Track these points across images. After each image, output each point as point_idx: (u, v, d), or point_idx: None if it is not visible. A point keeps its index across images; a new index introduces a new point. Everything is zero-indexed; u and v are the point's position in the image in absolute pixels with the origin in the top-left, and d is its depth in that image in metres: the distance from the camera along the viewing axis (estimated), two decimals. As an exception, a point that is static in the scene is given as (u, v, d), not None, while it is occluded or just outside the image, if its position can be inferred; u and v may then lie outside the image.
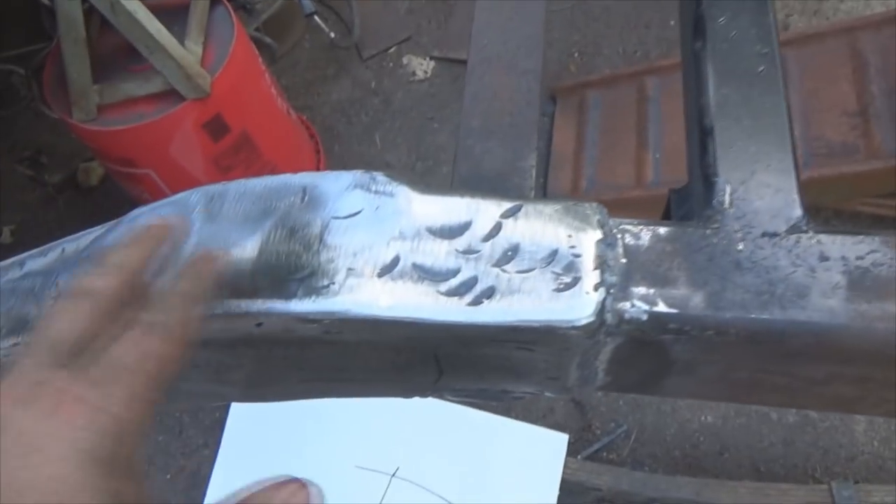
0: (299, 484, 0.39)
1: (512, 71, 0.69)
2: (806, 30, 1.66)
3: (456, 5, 2.12)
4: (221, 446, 1.32)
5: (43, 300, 0.51)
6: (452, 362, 0.46)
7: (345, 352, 0.45)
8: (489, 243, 0.42)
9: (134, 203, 1.70)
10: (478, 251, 0.42)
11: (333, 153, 1.90)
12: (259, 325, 0.42)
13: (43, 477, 0.27)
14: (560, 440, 1.32)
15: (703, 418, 1.46)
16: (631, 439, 1.45)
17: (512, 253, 0.42)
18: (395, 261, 0.42)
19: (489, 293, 0.41)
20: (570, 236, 0.42)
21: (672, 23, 2.01)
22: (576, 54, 2.01)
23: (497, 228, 0.43)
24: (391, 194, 0.44)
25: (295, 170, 1.99)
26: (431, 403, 1.43)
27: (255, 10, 1.71)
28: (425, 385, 0.50)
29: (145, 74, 1.30)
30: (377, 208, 0.44)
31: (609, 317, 0.40)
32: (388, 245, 0.42)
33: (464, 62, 2.02)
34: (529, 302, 0.40)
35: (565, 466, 1.32)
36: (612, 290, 0.40)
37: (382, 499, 1.38)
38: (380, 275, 0.42)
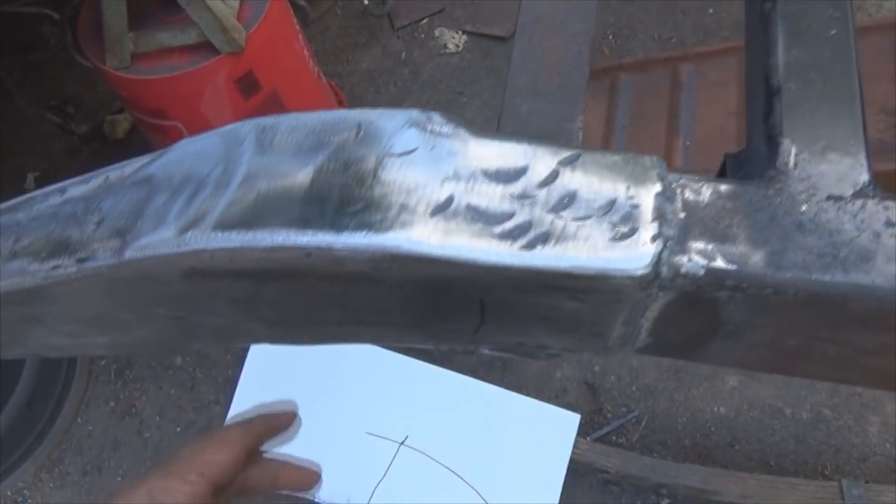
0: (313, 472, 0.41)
1: (562, 33, 0.68)
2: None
3: (491, -20, 2.10)
4: (233, 404, 1.33)
5: (85, 225, 0.51)
6: (497, 310, 0.45)
7: (389, 292, 0.45)
8: (545, 189, 0.41)
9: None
10: (533, 196, 0.41)
11: (360, 121, 1.88)
12: (308, 255, 0.42)
13: None
14: (572, 419, 1.32)
15: (715, 409, 1.45)
16: (641, 425, 1.45)
17: (568, 200, 0.41)
18: (449, 200, 0.41)
19: (544, 238, 0.40)
20: (628, 187, 0.41)
21: (710, 11, 1.98)
22: (610, 37, 1.98)
23: (554, 175, 0.42)
24: (447, 135, 0.43)
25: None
26: (445, 375, 1.43)
27: (292, -31, 1.70)
28: (464, 334, 0.50)
29: (181, 25, 1.29)
30: (432, 148, 0.43)
31: (665, 269, 0.39)
32: (443, 185, 0.42)
33: (497, 38, 2.01)
34: (585, 249, 0.39)
35: (575, 446, 1.32)
36: (669, 243, 0.39)
37: (390, 466, 1.38)
38: (433, 213, 0.41)
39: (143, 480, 0.37)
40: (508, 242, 0.40)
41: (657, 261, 0.39)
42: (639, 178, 0.41)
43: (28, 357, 0.68)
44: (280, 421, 0.45)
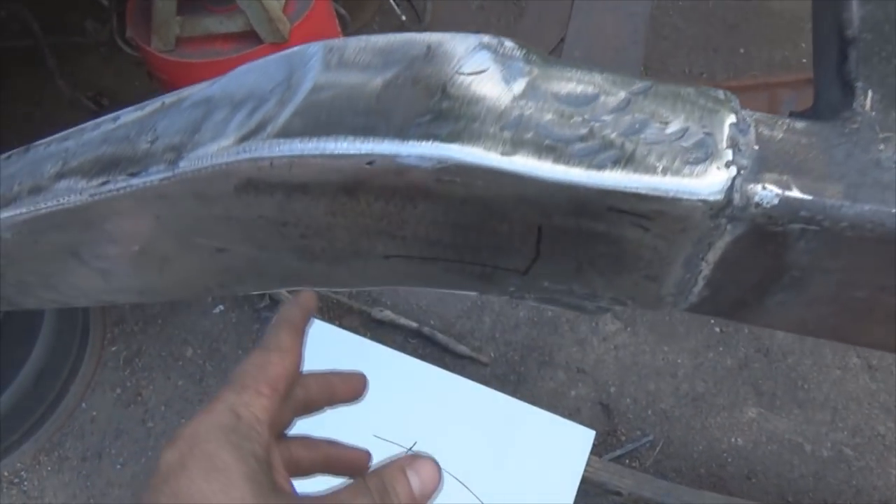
0: (429, 459, 0.39)
1: (619, 11, 0.68)
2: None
3: (527, 7, 2.13)
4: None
5: (138, 143, 0.51)
6: (554, 241, 0.44)
7: (445, 214, 0.44)
8: (617, 115, 0.41)
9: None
10: (604, 121, 0.41)
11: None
12: (370, 163, 0.41)
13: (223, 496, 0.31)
14: (586, 436, 1.28)
15: (733, 439, 1.42)
16: (656, 450, 1.41)
17: (640, 126, 0.40)
18: (519, 118, 0.41)
19: (615, 159, 0.39)
20: (701, 117, 0.41)
21: (741, 50, 2.00)
22: (641, 68, 2.00)
23: (626, 103, 0.41)
24: (518, 58, 0.43)
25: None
26: (457, 381, 1.41)
27: (337, -23, 1.74)
28: (514, 274, 0.48)
29: (227, 14, 1.32)
30: (503, 69, 0.43)
31: (737, 197, 0.38)
32: (513, 103, 0.41)
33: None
34: (656, 171, 0.39)
35: (587, 464, 1.28)
36: (742, 171, 0.39)
37: (396, 471, 1.35)
38: (502, 129, 0.41)
39: (219, 398, 0.36)
40: (578, 161, 0.39)
41: (730, 187, 0.38)
42: (712, 109, 0.41)
43: (53, 307, 0.67)
44: (312, 311, 0.45)
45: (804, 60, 1.96)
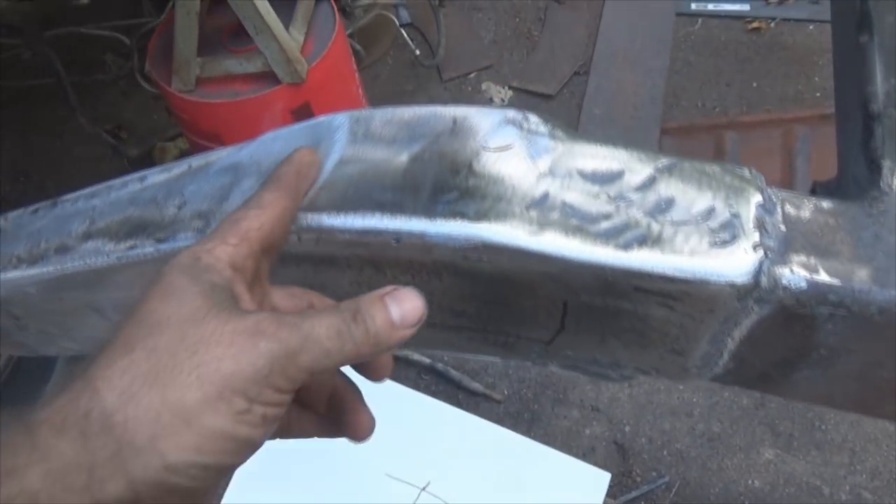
0: (411, 290, 0.37)
1: (637, 67, 0.69)
2: None
3: (540, 41, 2.16)
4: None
5: (166, 208, 0.51)
6: (578, 316, 0.44)
7: (471, 288, 0.44)
8: (642, 193, 0.41)
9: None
10: (630, 199, 0.41)
11: (402, 165, 1.91)
12: (397, 241, 0.42)
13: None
14: (602, 478, 1.27)
15: (749, 481, 1.39)
16: (672, 492, 1.39)
17: (666, 205, 0.41)
18: (545, 196, 0.41)
19: (641, 239, 0.40)
20: (727, 196, 0.41)
21: (754, 84, 2.01)
22: (660, 127, 2.01)
23: (651, 180, 0.42)
24: (543, 134, 0.44)
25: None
26: (471, 420, 1.40)
27: (354, 14, 1.77)
28: (538, 343, 0.48)
29: (246, 55, 1.34)
30: (528, 145, 0.43)
31: (765, 280, 0.38)
32: (539, 181, 0.42)
33: (542, 95, 2.05)
34: (684, 253, 0.39)
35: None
36: (770, 253, 0.39)
37: (409, 511, 1.33)
38: (529, 207, 0.41)
39: (186, 248, 0.37)
40: (604, 241, 0.40)
41: (758, 269, 0.38)
42: (738, 189, 0.41)
43: (73, 354, 0.68)
44: (310, 169, 0.43)
45: (818, 94, 1.96)
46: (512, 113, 0.45)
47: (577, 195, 0.41)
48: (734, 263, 0.38)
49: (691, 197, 0.41)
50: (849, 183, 0.45)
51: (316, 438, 0.43)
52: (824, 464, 1.40)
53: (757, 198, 0.41)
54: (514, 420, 1.51)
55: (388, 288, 0.37)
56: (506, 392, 1.54)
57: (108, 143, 1.83)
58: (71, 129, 1.96)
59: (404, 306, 0.36)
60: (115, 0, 1.78)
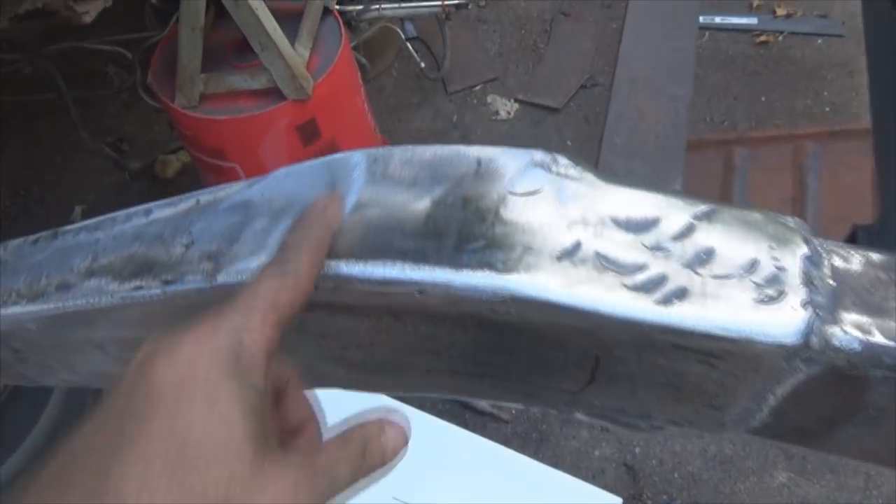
0: (398, 422, 0.37)
1: (660, 94, 0.67)
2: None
3: (546, 54, 2.14)
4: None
5: (173, 247, 0.49)
6: (611, 369, 0.42)
7: (498, 339, 0.42)
8: (680, 243, 0.39)
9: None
10: (667, 249, 0.39)
11: (407, 179, 1.89)
12: (421, 292, 0.39)
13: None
14: (612, 503, 1.24)
15: (762, 507, 1.37)
16: (683, 516, 1.37)
17: (706, 256, 0.38)
18: (577, 246, 0.39)
19: (681, 294, 0.37)
20: (771, 247, 0.38)
21: (763, 98, 1.99)
22: (684, 157, 1.99)
23: (689, 229, 0.39)
24: (573, 178, 0.41)
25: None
26: (479, 443, 1.37)
27: (359, 27, 1.75)
28: (564, 394, 0.46)
29: (251, 71, 1.32)
30: (558, 189, 0.41)
31: (815, 340, 0.36)
32: (570, 229, 0.39)
33: (547, 108, 2.03)
34: (727, 310, 0.36)
35: (612, 532, 1.24)
36: (819, 311, 0.36)
37: (412, 537, 1.31)
38: (560, 258, 0.38)
39: (224, 316, 0.31)
40: (643, 295, 0.37)
41: (808, 329, 0.35)
42: (782, 239, 0.38)
43: (72, 385, 0.66)
44: (335, 221, 0.39)
45: (827, 109, 1.95)
46: (540, 154, 0.42)
47: (611, 244, 0.39)
48: (782, 322, 0.36)
49: (733, 247, 0.38)
50: (889, 223, 0.43)
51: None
52: (839, 488, 1.37)
53: (803, 249, 0.38)
54: (521, 440, 1.48)
55: (377, 420, 0.37)
56: (513, 412, 1.52)
57: (110, 157, 1.80)
58: (72, 143, 1.94)
59: (396, 439, 0.37)
60: (117, 14, 1.77)
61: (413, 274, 0.39)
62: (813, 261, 0.38)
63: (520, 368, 0.45)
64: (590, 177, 0.41)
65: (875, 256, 0.38)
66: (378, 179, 0.44)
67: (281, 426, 0.34)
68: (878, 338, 0.35)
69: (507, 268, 0.38)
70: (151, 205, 0.52)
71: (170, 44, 1.39)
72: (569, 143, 1.97)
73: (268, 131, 1.34)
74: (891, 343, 0.35)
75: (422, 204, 0.41)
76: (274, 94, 1.31)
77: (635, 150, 0.60)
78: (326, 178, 0.45)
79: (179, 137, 1.48)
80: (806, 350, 0.36)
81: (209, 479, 0.26)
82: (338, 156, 0.46)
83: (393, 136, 2.02)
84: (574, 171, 0.42)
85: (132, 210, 0.52)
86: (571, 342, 0.40)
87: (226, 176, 1.42)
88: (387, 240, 0.41)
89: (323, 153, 1.48)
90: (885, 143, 0.47)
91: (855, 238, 0.45)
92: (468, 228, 0.40)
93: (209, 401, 0.28)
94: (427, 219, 0.41)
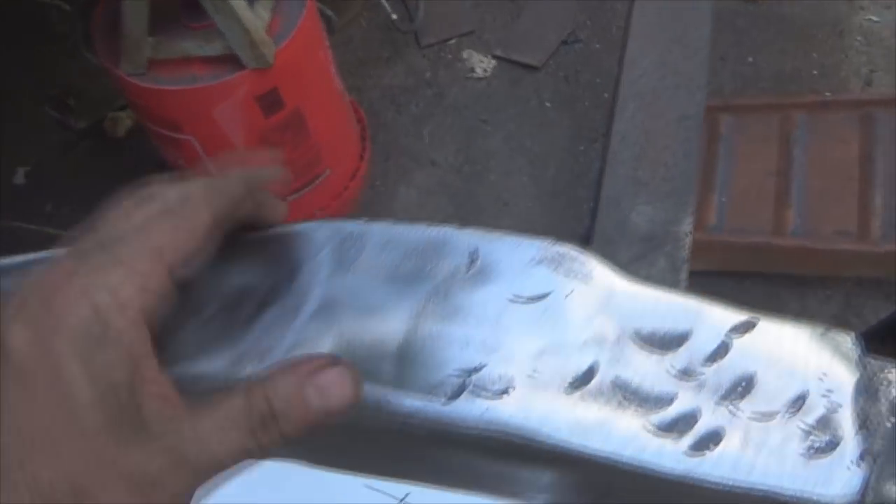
0: (338, 366, 0.29)
1: (668, 113, 0.59)
2: (901, 92, 1.57)
3: (525, 6, 2.01)
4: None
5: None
6: (615, 500, 0.36)
7: (492, 465, 0.36)
8: (714, 366, 0.33)
9: (161, 164, 1.58)
10: (700, 374, 0.32)
11: (378, 142, 1.79)
12: (405, 423, 0.33)
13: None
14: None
15: None
16: None
17: (745, 386, 0.32)
18: (591, 371, 0.32)
19: (716, 438, 0.31)
20: (822, 377, 0.32)
21: (750, 59, 1.91)
22: (696, 190, 1.90)
23: (724, 348, 0.33)
24: (588, 278, 0.34)
25: (339, 156, 1.88)
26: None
27: (324, -22, 1.60)
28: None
29: (205, 34, 1.19)
30: (570, 294, 0.34)
31: (870, 496, 0.30)
32: (583, 347, 0.33)
33: (527, 66, 1.92)
34: (772, 463, 0.31)
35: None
36: (877, 461, 0.31)
37: (387, 523, 1.29)
38: (570, 388, 0.32)
39: (76, 270, 0.26)
40: (671, 439, 0.31)
41: (864, 488, 0.30)
42: (834, 364, 0.32)
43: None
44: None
45: (815, 72, 1.88)
46: (547, 247, 0.35)
47: (633, 369, 0.32)
48: (837, 481, 0.30)
49: (776, 374, 0.32)
50: None
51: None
52: None
53: (856, 377, 0.32)
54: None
55: (307, 366, 0.29)
56: (488, 393, 1.48)
57: (52, 116, 1.66)
58: (12, 97, 1.78)
59: (326, 393, 0.28)
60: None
61: (395, 407, 0.32)
62: (868, 393, 0.32)
63: (508, 486, 0.39)
64: (608, 275, 0.35)
65: (938, 385, 0.33)
66: (348, 267, 0.36)
67: (148, 398, 0.26)
68: (944, 501, 0.30)
69: (507, 401, 0.32)
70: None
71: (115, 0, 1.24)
72: (548, 104, 1.87)
73: (224, 102, 1.22)
74: (959, 505, 0.30)
75: (403, 312, 0.34)
76: (231, 61, 1.18)
77: (642, 181, 0.53)
78: (288, 256, 0.38)
79: (129, 105, 1.35)
80: (856, 507, 0.31)
81: (58, 473, 0.24)
82: (299, 227, 0.38)
83: (361, 93, 1.90)
84: (588, 267, 0.35)
85: None
86: (584, 481, 0.34)
87: (180, 148, 1.31)
88: (360, 358, 0.33)
89: (285, 125, 1.36)
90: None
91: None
92: (460, 349, 0.33)
93: (59, 384, 0.24)
94: (409, 333, 0.34)
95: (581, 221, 1.60)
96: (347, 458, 0.43)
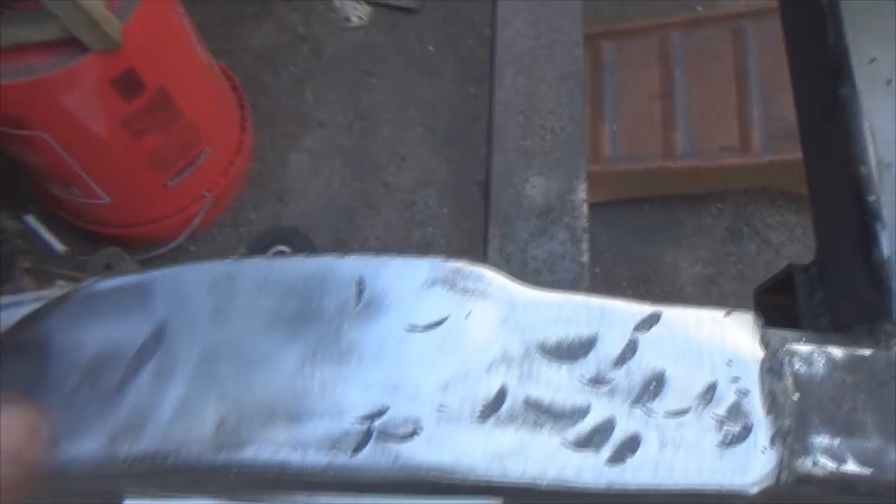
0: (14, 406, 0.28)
1: (549, 73, 0.57)
2: (767, 2, 1.61)
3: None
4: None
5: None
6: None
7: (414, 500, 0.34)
8: (623, 368, 0.32)
9: (11, 164, 1.42)
10: (610, 380, 0.31)
11: (259, 108, 1.68)
12: (307, 480, 0.30)
13: None
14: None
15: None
16: None
17: (656, 385, 0.31)
18: (502, 395, 0.31)
19: (634, 444, 0.30)
20: (729, 362, 0.32)
21: (623, -19, 1.91)
22: (586, 156, 1.87)
23: (632, 348, 0.32)
24: (486, 294, 0.32)
25: (218, 131, 1.76)
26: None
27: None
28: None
29: (35, 15, 1.05)
30: (468, 315, 0.32)
31: (784, 476, 0.31)
32: (490, 371, 0.31)
33: (403, 9, 1.85)
34: (691, 459, 0.30)
35: None
36: (788, 440, 0.31)
37: None
38: (482, 417, 0.30)
39: None
40: (590, 453, 0.30)
41: (778, 469, 0.30)
42: (738, 347, 0.32)
43: None
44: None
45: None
46: (438, 265, 0.32)
47: (543, 385, 0.31)
48: (752, 467, 0.30)
49: (685, 368, 0.32)
50: (835, 269, 0.38)
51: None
52: None
53: (760, 355, 0.32)
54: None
55: None
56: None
57: None
58: None
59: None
60: None
61: (292, 461, 0.30)
62: (773, 371, 0.32)
63: None
64: (505, 288, 0.32)
65: (837, 354, 0.33)
66: (226, 313, 0.32)
67: None
68: (851, 466, 0.31)
69: (416, 443, 0.29)
70: None
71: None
72: (430, 48, 1.81)
73: (73, 91, 1.09)
74: (865, 471, 0.31)
75: (289, 359, 0.31)
76: (73, 44, 1.05)
77: (531, 151, 0.51)
78: (154, 309, 0.33)
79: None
80: (775, 489, 0.31)
81: None
82: (164, 272, 0.34)
83: (233, 56, 1.77)
84: (483, 283, 0.32)
85: None
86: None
87: (33, 146, 1.17)
88: (249, 419, 0.30)
89: (151, 107, 1.23)
90: (816, 171, 0.41)
91: (792, 280, 0.40)
92: (359, 393, 0.30)
93: None
94: (299, 383, 0.30)
95: (480, 168, 1.58)
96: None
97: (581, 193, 0.53)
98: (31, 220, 1.51)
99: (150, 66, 1.16)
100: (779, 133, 1.45)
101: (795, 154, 1.40)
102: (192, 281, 0.33)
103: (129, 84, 1.15)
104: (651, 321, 0.33)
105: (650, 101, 1.59)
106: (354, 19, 1.83)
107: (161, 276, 0.34)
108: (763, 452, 0.30)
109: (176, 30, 1.25)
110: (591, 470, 0.30)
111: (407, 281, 0.32)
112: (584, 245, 0.52)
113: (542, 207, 0.51)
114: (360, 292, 0.32)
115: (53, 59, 1.06)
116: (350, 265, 0.32)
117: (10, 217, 1.47)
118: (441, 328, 0.31)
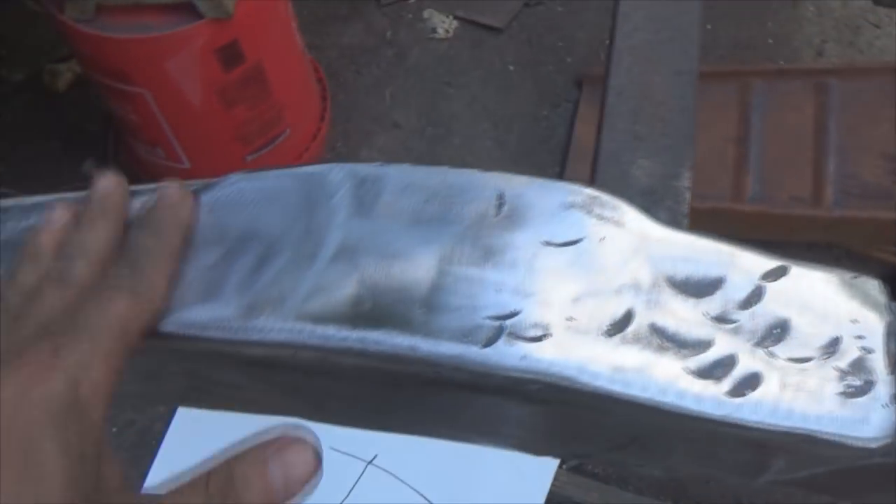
0: (302, 443, 0.30)
1: (664, 68, 0.59)
2: (853, 62, 1.62)
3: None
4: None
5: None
6: (649, 445, 0.36)
7: (516, 411, 0.35)
8: (749, 312, 0.32)
9: (106, 120, 1.49)
10: (735, 321, 0.32)
11: (338, 102, 1.74)
12: (437, 371, 0.31)
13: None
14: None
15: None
16: (617, 455, 1.40)
17: (780, 331, 0.32)
18: (629, 317, 0.32)
19: (754, 382, 0.31)
20: (853, 320, 0.32)
21: (708, 27, 1.93)
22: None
23: (758, 294, 0.33)
24: (620, 223, 0.33)
25: (300, 116, 1.83)
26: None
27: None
28: (587, 455, 0.40)
29: (159, -21, 1.12)
30: (603, 239, 0.33)
31: (904, 433, 0.31)
32: (619, 293, 0.32)
33: (490, 28, 1.89)
34: (810, 405, 0.30)
35: (554, 479, 1.26)
36: (910, 399, 0.31)
37: (355, 485, 1.28)
38: (609, 333, 0.31)
39: (62, 351, 0.26)
40: (711, 383, 0.31)
41: (897, 425, 0.30)
42: (865, 309, 0.33)
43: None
44: (186, 216, 0.35)
45: (770, 41, 1.91)
46: (578, 191, 0.34)
47: (669, 315, 0.32)
48: (871, 421, 0.30)
49: (809, 320, 0.32)
50: None
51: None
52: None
53: (887, 319, 0.32)
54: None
55: (273, 443, 0.28)
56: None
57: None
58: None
59: (290, 470, 0.28)
60: None
61: (427, 351, 0.31)
62: (897, 335, 0.32)
63: (547, 434, 0.38)
64: (641, 220, 0.34)
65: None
66: (368, 210, 0.34)
67: (110, 482, 0.26)
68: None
69: (544, 347, 0.30)
70: (52, 197, 0.39)
71: (54, -62, 1.15)
72: (511, 67, 1.85)
73: (180, 54, 1.15)
74: None
75: (428, 255, 0.32)
76: (187, 10, 1.12)
77: (640, 136, 0.52)
78: (300, 201, 0.35)
79: (73, 55, 1.27)
80: (890, 447, 0.31)
81: None
82: (310, 169, 0.36)
83: (320, 52, 1.83)
84: (620, 213, 0.34)
85: (29, 201, 0.39)
86: (616, 427, 0.34)
87: (132, 102, 1.23)
88: (385, 302, 0.32)
89: (245, 80, 1.29)
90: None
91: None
92: (493, 293, 0.31)
93: (26, 465, 0.23)
94: (438, 277, 0.32)
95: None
96: (359, 410, 0.41)
97: (685, 181, 0.54)
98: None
99: (253, 41, 1.22)
100: (853, 191, 1.44)
101: (867, 213, 1.39)
102: (337, 178, 0.35)
103: (231, 55, 1.20)
104: (779, 272, 0.33)
105: (724, 143, 1.59)
106: (441, 31, 1.89)
107: (310, 171, 0.36)
108: (885, 407, 0.30)
109: (280, 13, 1.31)
110: (710, 399, 0.30)
111: (546, 200, 0.33)
112: (684, 230, 0.53)
113: (646, 188, 0.52)
114: (500, 205, 0.33)
115: (168, 22, 1.12)
116: (493, 180, 0.34)
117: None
118: (576, 247, 0.33)
